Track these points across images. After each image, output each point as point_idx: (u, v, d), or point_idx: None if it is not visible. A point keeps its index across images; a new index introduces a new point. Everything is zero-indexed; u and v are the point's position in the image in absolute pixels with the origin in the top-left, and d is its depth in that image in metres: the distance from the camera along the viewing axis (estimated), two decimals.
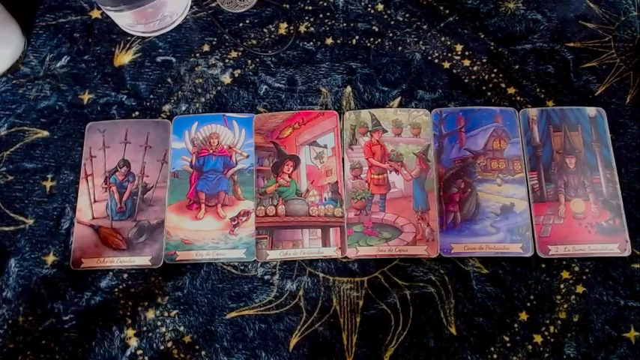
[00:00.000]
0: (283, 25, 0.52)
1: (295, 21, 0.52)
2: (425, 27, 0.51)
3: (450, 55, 0.50)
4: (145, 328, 0.44)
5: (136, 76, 0.50)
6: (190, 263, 0.45)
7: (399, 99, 0.49)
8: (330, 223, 0.45)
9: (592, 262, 0.44)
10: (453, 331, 0.43)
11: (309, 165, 0.47)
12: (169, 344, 0.43)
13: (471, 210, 0.45)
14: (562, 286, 0.44)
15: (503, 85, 0.49)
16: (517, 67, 0.50)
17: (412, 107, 0.49)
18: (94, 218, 0.46)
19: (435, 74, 0.50)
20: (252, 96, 0.49)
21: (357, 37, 0.51)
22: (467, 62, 0.50)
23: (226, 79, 0.50)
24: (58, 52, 0.51)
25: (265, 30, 0.51)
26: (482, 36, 0.51)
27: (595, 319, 0.43)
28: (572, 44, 0.50)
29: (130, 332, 0.44)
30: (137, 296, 0.44)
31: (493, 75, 0.50)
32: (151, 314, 0.44)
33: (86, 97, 0.50)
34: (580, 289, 0.44)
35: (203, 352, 0.43)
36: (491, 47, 0.50)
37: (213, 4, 0.52)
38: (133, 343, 0.43)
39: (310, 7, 0.52)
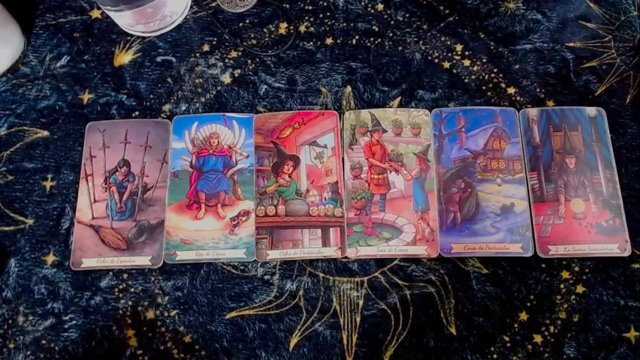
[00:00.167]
0: (283, 25, 0.52)
1: (295, 21, 0.52)
2: (425, 27, 0.51)
3: (450, 55, 0.50)
4: (145, 328, 0.44)
5: (136, 76, 0.50)
6: (190, 263, 0.45)
7: (399, 99, 0.49)
8: (330, 223, 0.45)
9: (592, 262, 0.44)
10: (453, 331, 0.43)
11: (309, 165, 0.47)
12: (169, 344, 0.43)
13: (471, 210, 0.45)
14: (562, 286, 0.44)
15: (503, 85, 0.49)
16: (517, 67, 0.50)
17: (412, 107, 0.49)
18: (94, 218, 0.46)
19: (435, 74, 0.50)
20: (252, 96, 0.49)
21: (357, 37, 0.51)
22: (467, 62, 0.50)
23: (226, 79, 0.50)
24: (58, 52, 0.51)
25: (265, 30, 0.51)
26: (483, 36, 0.51)
27: (595, 319, 0.43)
28: (572, 44, 0.50)
29: (130, 332, 0.44)
30: (137, 296, 0.44)
31: (493, 75, 0.50)
32: (150, 314, 0.44)
33: (86, 97, 0.50)
34: (580, 289, 0.44)
35: (203, 352, 0.43)
36: (491, 47, 0.50)
37: (213, 4, 0.52)
38: (133, 343, 0.43)
39: (310, 7, 0.52)
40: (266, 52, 0.51)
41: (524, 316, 0.43)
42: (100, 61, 0.51)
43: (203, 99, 0.49)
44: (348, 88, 0.49)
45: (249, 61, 0.51)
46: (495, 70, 0.50)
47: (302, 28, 0.51)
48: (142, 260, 0.45)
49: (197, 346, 0.43)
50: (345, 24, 0.51)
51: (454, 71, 0.50)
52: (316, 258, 0.45)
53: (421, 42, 0.51)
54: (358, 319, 0.44)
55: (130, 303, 0.44)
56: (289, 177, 0.47)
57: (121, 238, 0.45)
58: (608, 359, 0.42)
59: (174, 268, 0.45)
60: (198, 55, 0.51)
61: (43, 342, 0.43)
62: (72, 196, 0.47)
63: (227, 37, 0.51)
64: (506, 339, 0.43)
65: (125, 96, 0.49)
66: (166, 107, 0.49)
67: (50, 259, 0.45)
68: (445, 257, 0.44)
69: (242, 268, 0.45)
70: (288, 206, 0.46)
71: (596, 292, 0.44)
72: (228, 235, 0.45)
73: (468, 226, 0.45)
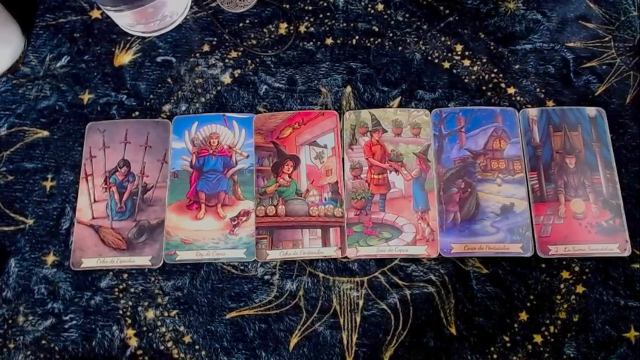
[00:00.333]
0: (283, 25, 0.52)
1: (295, 21, 0.52)
2: (425, 27, 0.51)
3: (450, 55, 0.50)
4: (145, 328, 0.44)
5: (136, 76, 0.50)
6: (190, 263, 0.45)
7: (399, 99, 0.49)
8: (330, 223, 0.45)
9: (592, 262, 0.44)
10: (453, 331, 0.43)
11: (309, 165, 0.47)
12: (169, 344, 0.43)
13: (471, 210, 0.45)
14: (562, 286, 0.44)
15: (503, 85, 0.49)
16: (517, 67, 0.50)
17: (412, 107, 0.49)
18: (94, 218, 0.46)
19: (435, 74, 0.50)
20: (252, 96, 0.49)
21: (357, 37, 0.51)
22: (467, 62, 0.50)
23: (226, 79, 0.50)
24: (58, 52, 0.51)
25: (265, 30, 0.51)
26: (483, 36, 0.51)
27: (595, 319, 0.43)
28: (572, 44, 0.50)
29: (130, 332, 0.44)
30: (137, 296, 0.44)
31: (493, 75, 0.50)
32: (150, 314, 0.44)
33: (86, 97, 0.50)
34: (580, 289, 0.44)
35: (203, 352, 0.43)
36: (491, 47, 0.50)
37: (213, 4, 0.52)
38: (133, 343, 0.43)
39: (310, 7, 0.52)
40: (266, 52, 0.51)
41: (524, 316, 0.43)
42: (100, 61, 0.51)
43: (203, 99, 0.49)
44: (348, 88, 0.49)
45: (249, 61, 0.51)
46: (495, 70, 0.50)
47: (302, 28, 0.51)
48: (142, 260, 0.45)
49: (197, 346, 0.43)
50: (345, 24, 0.51)
51: (454, 71, 0.50)
52: (316, 258, 0.45)
53: (421, 42, 0.51)
54: (358, 319, 0.44)
55: (130, 303, 0.44)
56: (289, 177, 0.47)
57: (121, 238, 0.45)
58: (608, 359, 0.42)
59: (174, 268, 0.45)
60: (198, 55, 0.51)
61: (43, 342, 0.43)
62: (72, 196, 0.47)
63: (227, 37, 0.51)
64: (506, 339, 0.43)
65: (125, 96, 0.50)
66: (166, 107, 0.49)
67: (50, 259, 0.45)
68: (445, 257, 0.44)
69: (242, 268, 0.45)
70: (288, 206, 0.46)
71: (596, 292, 0.44)
72: (228, 235, 0.45)
73: (468, 226, 0.45)
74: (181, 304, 0.44)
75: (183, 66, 0.50)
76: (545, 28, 0.51)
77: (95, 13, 0.52)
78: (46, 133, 0.49)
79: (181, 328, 0.44)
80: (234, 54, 0.51)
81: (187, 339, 0.43)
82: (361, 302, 0.44)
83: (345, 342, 0.43)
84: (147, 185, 0.47)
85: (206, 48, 0.51)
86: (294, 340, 0.43)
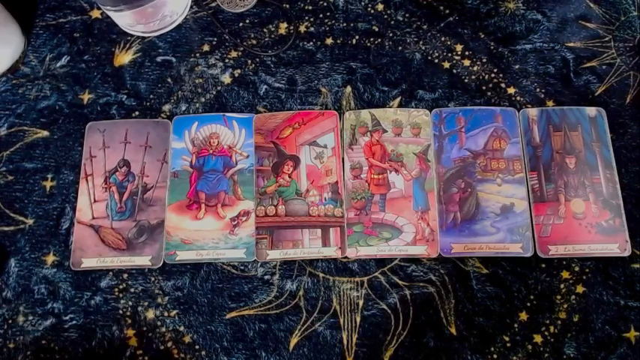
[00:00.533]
0: (283, 25, 0.52)
1: (295, 21, 0.52)
2: (425, 27, 0.51)
3: (450, 55, 0.50)
4: (145, 328, 0.44)
5: (136, 76, 0.50)
6: (190, 263, 0.45)
7: (399, 99, 0.49)
8: (330, 223, 0.45)
9: (592, 262, 0.44)
10: (453, 331, 0.43)
11: (309, 165, 0.47)
12: (169, 344, 0.43)
13: (471, 210, 0.45)
14: (562, 286, 0.44)
15: (503, 85, 0.49)
16: (517, 67, 0.50)
17: (412, 107, 0.49)
18: (94, 218, 0.46)
19: (435, 74, 0.50)
20: (252, 96, 0.49)
21: (357, 37, 0.51)
22: (467, 62, 0.50)
23: (226, 79, 0.50)
24: (58, 52, 0.51)
25: (265, 30, 0.51)
26: (483, 36, 0.51)
27: (595, 319, 0.43)
28: (572, 44, 0.50)
29: (130, 332, 0.44)
30: (137, 296, 0.44)
31: (493, 75, 0.50)
32: (150, 314, 0.44)
33: (86, 97, 0.50)
34: (580, 289, 0.44)
35: (203, 352, 0.43)
36: (492, 47, 0.50)
37: (213, 4, 0.52)
38: (133, 343, 0.43)
39: (310, 7, 0.52)
40: (266, 52, 0.51)
41: (524, 316, 0.43)
42: (100, 61, 0.51)
43: (203, 99, 0.49)
44: (348, 88, 0.49)
45: (249, 61, 0.51)
46: (495, 70, 0.50)
47: (302, 28, 0.51)
48: (142, 260, 0.45)
49: (197, 346, 0.43)
50: (345, 24, 0.51)
51: (454, 71, 0.50)
52: (316, 258, 0.45)
53: (421, 42, 0.51)
54: (358, 319, 0.44)
55: (130, 303, 0.44)
56: (289, 177, 0.47)
57: (121, 238, 0.45)
58: (608, 359, 0.42)
59: (174, 268, 0.45)
60: (198, 55, 0.51)
61: (43, 342, 0.43)
62: (72, 196, 0.47)
63: (227, 37, 0.51)
64: (506, 339, 0.43)
65: (125, 96, 0.49)
66: (166, 107, 0.49)
67: (50, 259, 0.45)
68: (445, 257, 0.44)
69: (242, 268, 0.45)
70: (288, 206, 0.46)
71: (596, 292, 0.44)
72: (228, 235, 0.45)
73: (468, 226, 0.45)
74: (181, 304, 0.44)
75: (183, 66, 0.50)
76: (545, 28, 0.51)
77: (95, 13, 0.52)
78: (46, 133, 0.49)
79: (181, 328, 0.44)
80: (234, 54, 0.51)
81: (187, 339, 0.43)
82: (361, 302, 0.44)
83: (345, 342, 0.43)
84: (147, 185, 0.47)
85: (206, 48, 0.51)
86: (294, 340, 0.43)
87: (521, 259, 0.44)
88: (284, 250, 0.45)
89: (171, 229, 0.45)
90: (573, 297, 0.44)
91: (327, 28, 0.51)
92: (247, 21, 0.52)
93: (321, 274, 0.45)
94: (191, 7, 0.52)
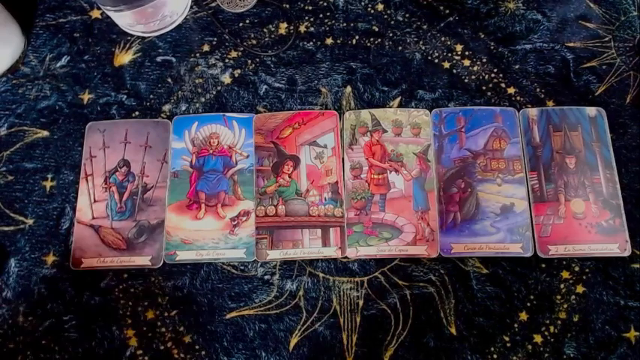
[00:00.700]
0: (283, 25, 0.52)
1: (295, 21, 0.52)
2: (425, 27, 0.51)
3: (450, 55, 0.50)
4: (145, 328, 0.44)
5: (136, 76, 0.50)
6: (190, 263, 0.45)
7: (399, 99, 0.49)
8: (330, 223, 0.45)
9: (592, 262, 0.44)
10: (453, 331, 0.43)
11: (309, 165, 0.47)
12: (169, 344, 0.43)
13: (471, 210, 0.45)
14: (562, 286, 0.44)
15: (503, 85, 0.49)
16: (517, 67, 0.50)
17: (412, 107, 0.49)
18: (94, 218, 0.46)
19: (435, 74, 0.50)
20: (252, 96, 0.49)
21: (357, 37, 0.51)
22: (467, 62, 0.50)
23: (226, 79, 0.50)
24: (58, 52, 0.51)
25: (265, 30, 0.51)
26: (483, 36, 0.51)
27: (595, 319, 0.43)
28: (572, 44, 0.50)
29: (130, 332, 0.44)
30: (137, 296, 0.44)
31: (493, 75, 0.50)
32: (150, 314, 0.44)
33: (86, 97, 0.50)
34: (580, 289, 0.44)
35: (203, 352, 0.43)
36: (492, 47, 0.50)
37: (213, 4, 0.52)
38: (133, 343, 0.43)
39: (310, 7, 0.52)
40: (266, 52, 0.51)
41: (524, 316, 0.43)
42: (100, 61, 0.51)
43: (203, 99, 0.49)
44: (348, 88, 0.49)
45: (249, 61, 0.51)
46: (495, 70, 0.50)
47: (302, 28, 0.51)
48: (142, 260, 0.45)
49: (197, 346, 0.43)
50: (345, 24, 0.51)
51: (454, 71, 0.50)
52: (316, 258, 0.45)
53: (421, 42, 0.51)
54: (358, 319, 0.44)
55: (130, 303, 0.44)
56: (289, 177, 0.47)
57: (121, 238, 0.45)
58: (608, 359, 0.42)
59: (174, 268, 0.45)
60: (198, 55, 0.51)
61: (43, 342, 0.43)
62: (72, 196, 0.47)
63: (227, 37, 0.51)
64: (506, 339, 0.43)
65: (125, 96, 0.49)
66: (166, 107, 0.49)
67: (50, 259, 0.45)
68: (445, 257, 0.44)
69: (242, 268, 0.45)
70: (288, 206, 0.46)
71: (596, 292, 0.44)
72: (228, 235, 0.45)
73: (468, 226, 0.45)
74: (181, 304, 0.44)
75: (183, 66, 0.50)
76: (545, 28, 0.51)
77: (95, 13, 0.52)
78: (46, 133, 0.49)
79: (181, 328, 0.44)
80: (234, 54, 0.51)
81: (187, 339, 0.43)
82: (361, 302, 0.44)
83: (345, 342, 0.43)
84: (147, 185, 0.47)
85: (206, 48, 0.51)
86: (294, 340, 0.43)
87: (521, 259, 0.44)
88: (284, 250, 0.45)
89: (171, 229, 0.45)
90: (573, 297, 0.44)
91: (327, 28, 0.51)
92: (247, 21, 0.52)
93: (321, 274, 0.45)
94: (191, 7, 0.52)
